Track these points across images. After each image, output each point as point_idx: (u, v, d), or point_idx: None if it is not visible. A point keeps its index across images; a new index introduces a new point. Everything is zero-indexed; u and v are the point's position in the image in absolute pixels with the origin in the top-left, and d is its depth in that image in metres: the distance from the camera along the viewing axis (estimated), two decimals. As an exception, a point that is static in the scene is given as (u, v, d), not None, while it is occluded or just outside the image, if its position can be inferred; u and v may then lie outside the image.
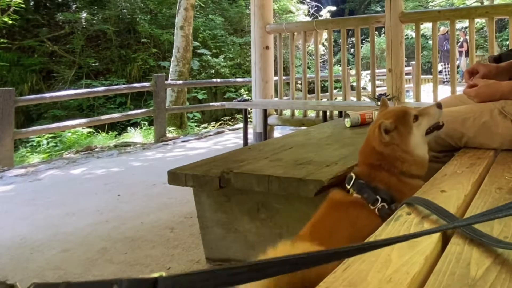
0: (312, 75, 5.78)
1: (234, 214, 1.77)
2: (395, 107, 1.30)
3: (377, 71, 4.92)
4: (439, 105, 1.26)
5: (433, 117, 1.23)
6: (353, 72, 6.38)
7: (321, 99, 5.29)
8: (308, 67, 6.25)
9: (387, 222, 0.80)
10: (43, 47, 10.64)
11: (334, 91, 5.81)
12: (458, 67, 11.13)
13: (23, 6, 9.32)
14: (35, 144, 6.60)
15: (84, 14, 11.57)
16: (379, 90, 5.35)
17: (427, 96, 5.55)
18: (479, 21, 8.82)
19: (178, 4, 8.56)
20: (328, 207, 1.13)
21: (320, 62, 5.69)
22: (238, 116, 9.51)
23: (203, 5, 12.67)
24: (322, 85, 7.66)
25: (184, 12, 8.40)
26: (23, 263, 2.08)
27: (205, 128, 8.63)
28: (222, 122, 9.48)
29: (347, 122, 2.43)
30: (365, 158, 1.21)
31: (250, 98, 5.96)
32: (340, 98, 6.08)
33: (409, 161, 1.15)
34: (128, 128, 8.14)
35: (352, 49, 12.44)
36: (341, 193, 1.16)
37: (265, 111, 4.70)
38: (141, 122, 8.41)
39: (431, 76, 4.56)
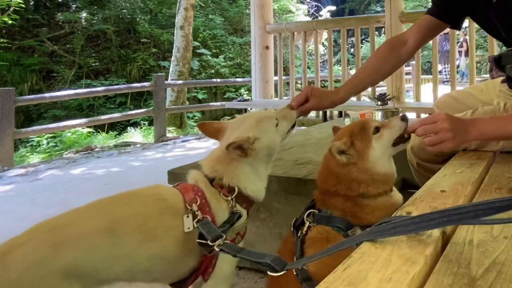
0: (312, 75, 5.78)
1: (234, 214, 1.76)
2: (353, 123, 1.21)
3: (377, 71, 4.90)
4: (404, 118, 1.16)
5: (396, 130, 1.13)
6: (353, 72, 6.37)
7: (321, 99, 5.28)
8: (308, 67, 6.24)
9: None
10: (43, 47, 10.64)
11: (334, 91, 5.79)
12: (458, 67, 11.12)
13: (23, 6, 9.32)
14: (35, 144, 6.61)
15: (84, 14, 11.58)
16: (379, 90, 5.34)
17: (427, 96, 5.54)
18: (479, 21, 8.79)
19: (178, 4, 8.56)
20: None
21: (320, 62, 5.68)
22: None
23: (203, 5, 12.67)
24: (322, 85, 7.64)
25: (184, 12, 8.41)
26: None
27: (205, 128, 8.62)
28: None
29: (347, 122, 2.42)
30: (321, 183, 1.15)
31: (250, 98, 5.96)
32: (340, 98, 6.05)
33: (366, 181, 1.07)
34: (128, 128, 8.14)
35: (352, 49, 12.42)
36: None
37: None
38: (141, 122, 8.42)
39: (431, 76, 4.55)
